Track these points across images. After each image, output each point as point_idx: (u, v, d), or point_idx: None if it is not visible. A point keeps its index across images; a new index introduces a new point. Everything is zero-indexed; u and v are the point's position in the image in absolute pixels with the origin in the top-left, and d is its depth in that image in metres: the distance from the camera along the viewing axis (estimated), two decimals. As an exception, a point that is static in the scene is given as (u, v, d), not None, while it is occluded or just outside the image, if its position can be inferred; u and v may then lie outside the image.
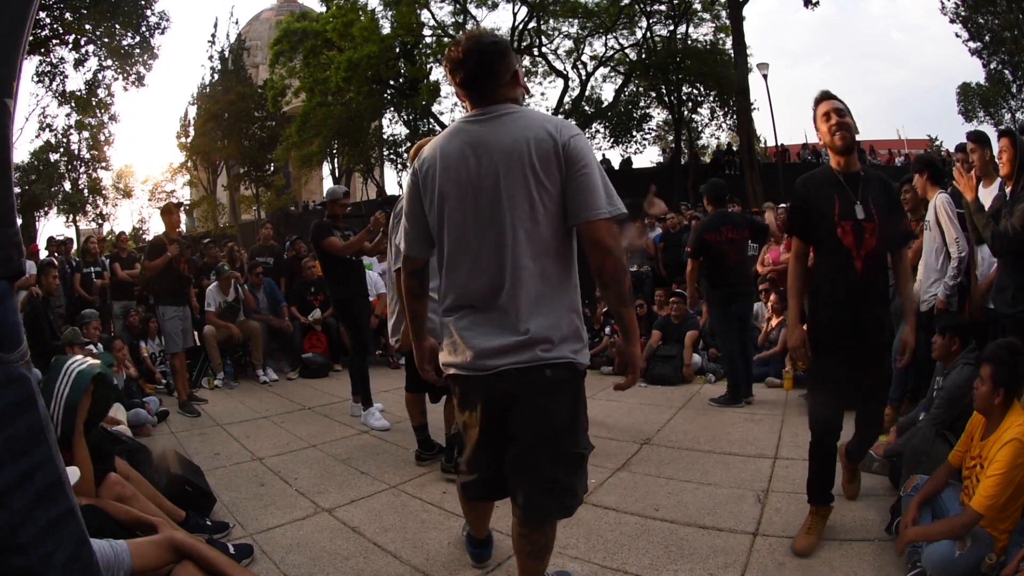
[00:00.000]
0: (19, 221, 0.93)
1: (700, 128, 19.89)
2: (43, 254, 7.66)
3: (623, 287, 1.56)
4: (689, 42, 17.84)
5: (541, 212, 1.52)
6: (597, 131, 19.86)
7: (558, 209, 1.54)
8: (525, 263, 1.52)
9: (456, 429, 1.86)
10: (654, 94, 18.65)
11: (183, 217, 6.02)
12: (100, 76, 17.50)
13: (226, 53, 25.41)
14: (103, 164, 20.99)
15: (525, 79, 1.77)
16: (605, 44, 18.27)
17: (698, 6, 17.63)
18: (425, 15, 17.54)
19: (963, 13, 17.62)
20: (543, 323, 1.53)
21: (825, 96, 2.32)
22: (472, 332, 1.57)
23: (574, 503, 1.64)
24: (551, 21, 17.89)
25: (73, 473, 1.97)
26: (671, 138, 20.19)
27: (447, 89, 19.03)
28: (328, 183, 24.57)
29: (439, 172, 1.58)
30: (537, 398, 1.55)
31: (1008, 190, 2.80)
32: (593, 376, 5.56)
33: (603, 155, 20.75)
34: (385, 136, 21.29)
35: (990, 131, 3.75)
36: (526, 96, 1.67)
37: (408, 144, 20.89)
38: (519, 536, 1.68)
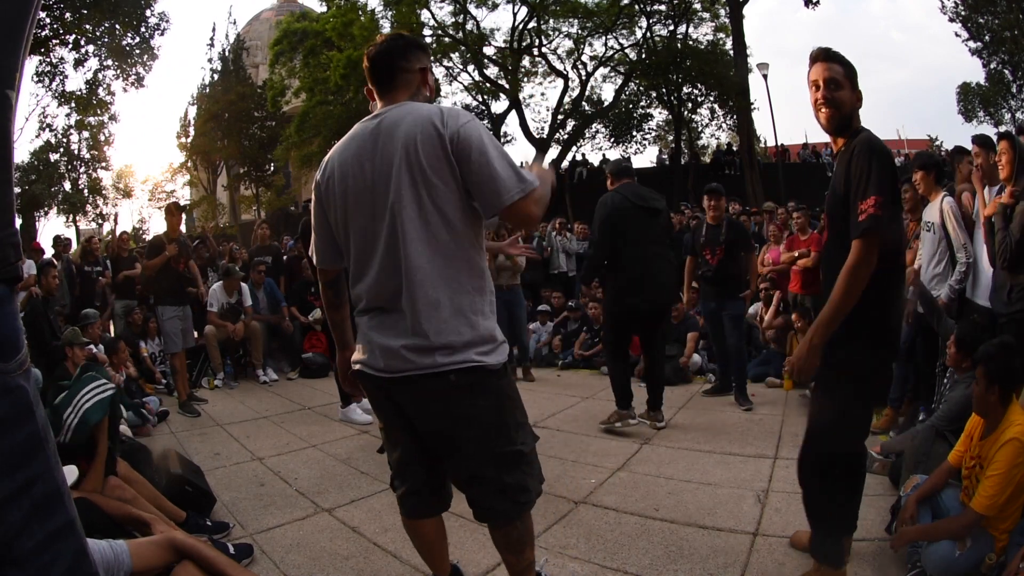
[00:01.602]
0: (19, 221, 0.91)
1: (700, 128, 19.90)
2: (49, 252, 7.66)
3: (545, 205, 1.53)
4: (689, 42, 17.82)
5: (431, 211, 1.45)
6: (597, 131, 19.85)
7: (454, 205, 1.46)
8: (420, 264, 1.45)
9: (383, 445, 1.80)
10: (654, 94, 18.63)
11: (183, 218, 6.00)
12: (100, 76, 17.52)
13: (226, 53, 25.43)
14: (103, 164, 21.01)
15: (435, 80, 1.74)
16: (605, 44, 18.27)
17: (698, 6, 17.62)
18: (425, 15, 17.54)
19: (963, 13, 17.62)
20: (442, 327, 1.46)
21: (817, 57, 1.88)
22: (378, 333, 1.53)
23: (529, 499, 1.59)
24: (551, 21, 17.86)
25: (71, 472, 1.97)
26: (671, 138, 20.18)
27: (447, 89, 19.04)
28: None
29: (337, 181, 1.56)
30: (451, 406, 1.49)
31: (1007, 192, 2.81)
32: (593, 376, 5.57)
33: (603, 155, 20.79)
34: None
35: (990, 131, 3.76)
36: (434, 98, 1.68)
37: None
38: (491, 535, 1.66)
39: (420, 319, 1.45)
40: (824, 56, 1.87)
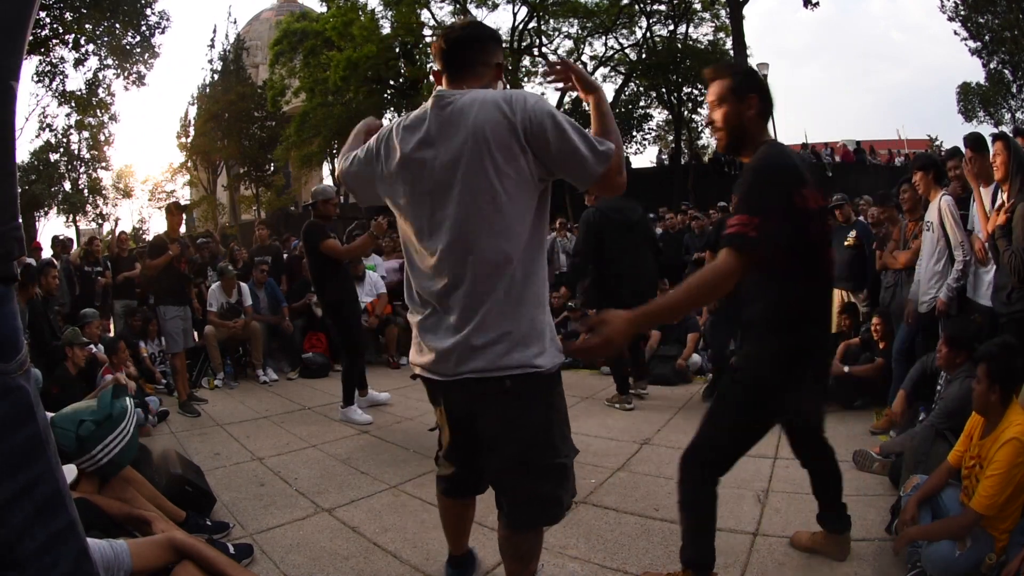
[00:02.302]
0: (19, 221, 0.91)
1: (700, 128, 19.93)
2: (47, 253, 7.67)
3: (611, 120, 1.57)
4: (689, 42, 17.84)
5: (505, 201, 1.39)
6: (716, 135, 19.86)
7: (523, 192, 1.41)
8: (488, 258, 1.40)
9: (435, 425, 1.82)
10: (654, 94, 18.66)
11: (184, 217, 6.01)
12: (100, 76, 17.54)
13: (226, 53, 25.44)
14: (103, 164, 21.04)
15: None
16: (605, 44, 18.32)
17: (698, 6, 17.65)
18: (425, 15, 17.57)
19: (963, 13, 17.63)
20: (504, 324, 1.41)
21: (709, 75, 1.84)
22: (432, 334, 1.48)
23: (559, 512, 1.58)
24: (551, 21, 17.91)
25: (70, 472, 1.97)
26: (671, 138, 20.19)
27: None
28: (328, 183, 24.54)
29: (398, 160, 1.50)
30: (502, 412, 1.46)
31: (1004, 195, 2.81)
32: (593, 376, 5.57)
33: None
34: (385, 136, 21.28)
35: (990, 131, 3.76)
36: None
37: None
38: (503, 538, 1.63)
39: (483, 318, 1.40)
40: (711, 75, 1.82)
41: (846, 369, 4.12)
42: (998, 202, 2.87)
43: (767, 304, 1.71)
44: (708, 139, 20.81)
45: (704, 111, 18.93)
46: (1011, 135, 3.01)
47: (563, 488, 1.56)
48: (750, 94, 1.73)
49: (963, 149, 3.28)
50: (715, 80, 1.77)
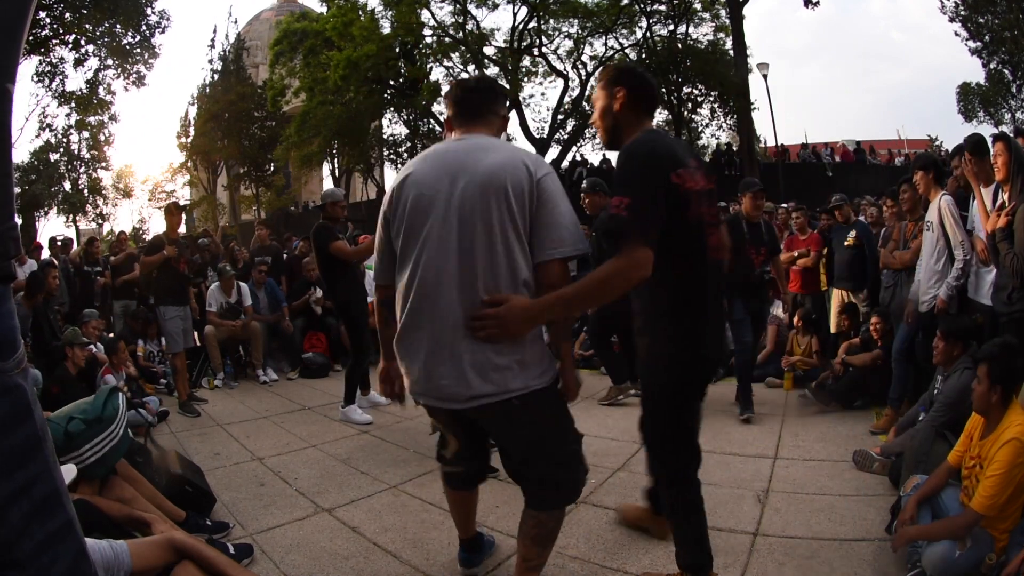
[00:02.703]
0: (19, 221, 0.91)
1: (700, 128, 19.90)
2: (47, 253, 7.68)
3: (570, 324, 1.75)
4: (689, 42, 17.83)
5: (513, 240, 1.53)
6: (597, 131, 19.82)
7: (524, 240, 1.56)
8: (501, 284, 1.53)
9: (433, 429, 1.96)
10: (654, 94, 18.63)
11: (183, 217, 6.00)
12: (100, 76, 17.53)
13: (226, 53, 25.43)
14: (103, 164, 21.05)
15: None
16: (605, 44, 18.28)
17: (698, 6, 17.61)
18: (425, 15, 17.54)
19: (963, 13, 17.63)
20: (507, 357, 1.54)
21: (599, 75, 1.92)
22: (439, 363, 1.56)
23: (577, 490, 1.75)
24: (551, 21, 17.87)
25: (69, 471, 1.97)
26: (671, 138, 20.16)
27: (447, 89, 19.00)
28: (328, 183, 24.57)
29: (412, 197, 1.59)
30: (515, 424, 1.63)
31: (1005, 195, 2.81)
32: (593, 376, 5.57)
33: (603, 155, 20.76)
34: (385, 136, 21.30)
35: (990, 131, 3.76)
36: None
37: (408, 144, 20.90)
38: (529, 517, 1.72)
39: (491, 351, 1.53)
40: (598, 78, 1.90)
41: (844, 358, 4.14)
42: (998, 203, 2.87)
43: (649, 290, 1.70)
44: (708, 139, 20.89)
45: (704, 111, 19.02)
46: (1012, 135, 3.01)
47: (577, 470, 1.73)
48: (617, 88, 1.79)
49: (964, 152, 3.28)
50: (598, 82, 1.88)
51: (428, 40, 17.96)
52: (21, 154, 18.61)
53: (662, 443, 1.91)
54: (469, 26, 17.76)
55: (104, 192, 21.82)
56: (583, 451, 1.76)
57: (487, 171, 1.53)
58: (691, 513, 1.87)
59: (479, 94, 1.72)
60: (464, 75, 18.50)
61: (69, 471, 2.02)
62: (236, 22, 27.97)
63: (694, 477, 1.90)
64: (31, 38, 14.57)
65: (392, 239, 1.66)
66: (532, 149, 18.93)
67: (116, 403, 2.31)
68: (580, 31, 17.87)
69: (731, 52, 17.14)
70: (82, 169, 20.30)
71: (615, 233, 1.55)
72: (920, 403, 3.14)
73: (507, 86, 17.91)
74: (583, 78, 18.73)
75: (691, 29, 17.98)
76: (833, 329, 4.98)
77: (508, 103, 1.79)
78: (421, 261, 1.57)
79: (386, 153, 21.81)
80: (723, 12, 17.26)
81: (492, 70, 18.52)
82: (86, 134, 19.59)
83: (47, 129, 18.49)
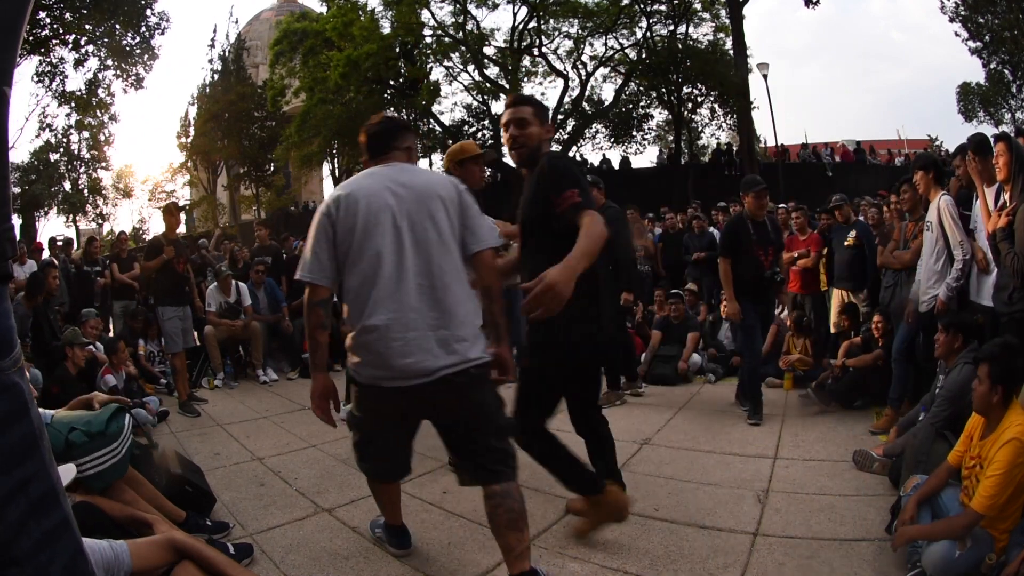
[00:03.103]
0: (19, 221, 0.92)
1: (700, 128, 19.91)
2: (46, 254, 7.68)
3: (500, 301, 2.00)
4: (689, 42, 17.82)
5: (451, 238, 1.89)
6: (597, 131, 19.84)
7: (459, 240, 1.92)
8: (447, 281, 1.85)
9: (351, 419, 2.07)
10: (654, 94, 18.64)
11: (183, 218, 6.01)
12: (100, 76, 17.52)
13: (226, 53, 25.42)
14: (103, 164, 21.04)
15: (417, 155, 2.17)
16: (605, 44, 18.27)
17: (698, 6, 17.60)
18: (425, 15, 17.53)
19: (963, 13, 17.63)
20: (464, 331, 1.84)
21: (508, 102, 2.30)
22: (407, 344, 1.78)
23: (515, 463, 1.91)
24: (551, 21, 17.87)
25: (67, 472, 1.97)
26: (671, 138, 20.17)
27: (447, 89, 19.01)
28: (328, 183, 24.59)
29: (364, 205, 1.83)
30: (471, 393, 1.86)
31: (1006, 195, 2.81)
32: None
33: (603, 155, 20.79)
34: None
35: (990, 131, 3.76)
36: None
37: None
38: (493, 506, 1.82)
39: (451, 326, 1.81)
40: (514, 102, 2.26)
41: (844, 362, 4.12)
42: (1000, 203, 2.87)
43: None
44: (708, 139, 20.90)
45: (704, 111, 19.00)
46: (1013, 136, 3.00)
47: (511, 442, 1.96)
48: (547, 122, 2.25)
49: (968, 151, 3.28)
50: (522, 105, 2.23)
51: (428, 40, 17.96)
52: (21, 154, 18.61)
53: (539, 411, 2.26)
54: (469, 26, 17.76)
55: (104, 192, 21.82)
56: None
57: (423, 184, 1.91)
58: (558, 450, 2.26)
59: (381, 135, 2.03)
60: (462, 74, 18.54)
61: (68, 471, 2.01)
62: (237, 22, 27.95)
63: (544, 425, 2.27)
64: (31, 38, 14.57)
65: (337, 243, 1.85)
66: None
67: (122, 423, 2.28)
68: (580, 31, 17.87)
69: (731, 52, 17.14)
70: (82, 169, 20.30)
71: (579, 212, 1.91)
72: (921, 403, 3.14)
73: (507, 86, 17.95)
74: (583, 78, 18.76)
75: (691, 29, 17.98)
76: (833, 329, 4.99)
77: (412, 131, 2.12)
78: (382, 259, 1.81)
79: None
80: (723, 12, 17.26)
81: (492, 70, 18.54)
82: (86, 134, 19.60)
83: (47, 129, 18.49)
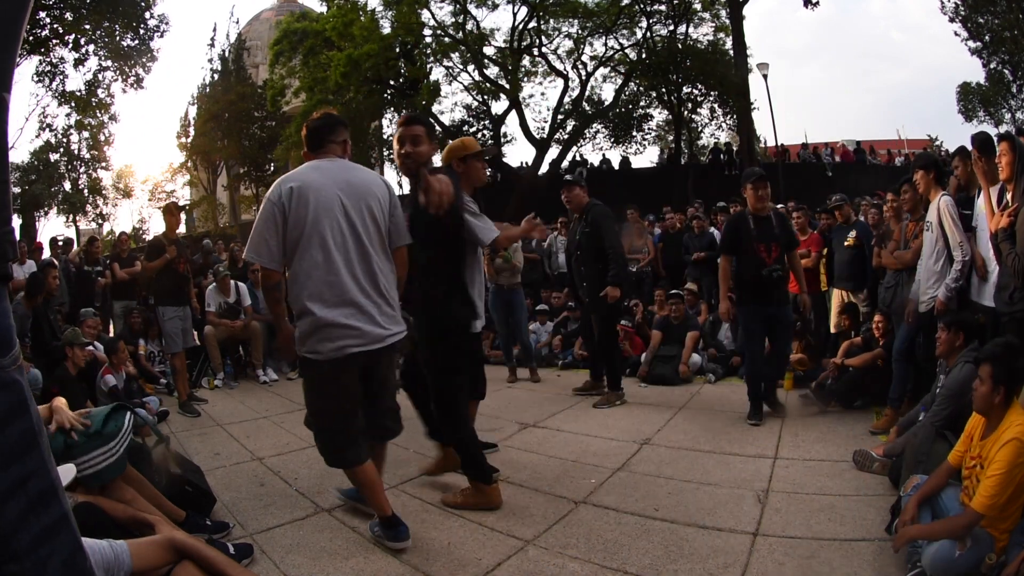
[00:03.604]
0: (19, 221, 0.92)
1: (700, 128, 19.88)
2: (46, 254, 7.68)
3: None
4: (689, 42, 17.80)
5: (383, 233, 2.24)
6: (597, 131, 19.82)
7: (386, 233, 2.27)
8: (381, 267, 2.22)
9: (315, 417, 2.37)
10: (654, 94, 18.62)
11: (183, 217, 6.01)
12: (100, 76, 17.49)
13: (226, 53, 25.41)
14: (103, 164, 21.02)
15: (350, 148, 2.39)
16: (605, 44, 18.22)
17: (698, 6, 17.57)
18: (425, 15, 17.50)
19: (963, 13, 17.62)
20: (394, 310, 2.24)
21: (402, 121, 2.62)
22: (356, 319, 2.14)
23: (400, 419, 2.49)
24: (551, 21, 17.83)
25: (67, 472, 1.97)
26: (671, 138, 20.16)
27: (447, 89, 18.98)
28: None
29: (313, 199, 2.11)
30: (391, 360, 2.34)
31: (1009, 195, 2.81)
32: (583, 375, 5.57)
33: (603, 155, 20.76)
34: (385, 136, 21.26)
35: (990, 131, 3.73)
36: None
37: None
38: (381, 449, 2.47)
39: (383, 305, 2.20)
40: (408, 121, 2.59)
41: (844, 361, 4.12)
42: (1003, 203, 2.87)
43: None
44: (708, 139, 20.88)
45: (704, 111, 18.99)
46: (1015, 135, 3.00)
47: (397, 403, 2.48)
48: (435, 140, 2.66)
49: (970, 148, 3.28)
50: (415, 125, 2.56)
51: (428, 40, 17.94)
52: (21, 154, 18.59)
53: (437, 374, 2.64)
54: (469, 26, 17.73)
55: (104, 192, 21.81)
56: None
57: (363, 183, 2.23)
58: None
59: (320, 130, 2.28)
60: (462, 74, 18.56)
61: (68, 471, 2.01)
62: (238, 22, 27.92)
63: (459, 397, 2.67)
64: (31, 38, 14.56)
65: (287, 231, 2.11)
66: (533, 150, 18.96)
67: (121, 422, 2.28)
68: (580, 31, 17.84)
69: (731, 52, 17.12)
70: (82, 169, 20.27)
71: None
72: (922, 403, 3.14)
73: (507, 86, 17.95)
74: (583, 78, 18.72)
75: (691, 29, 17.94)
76: (833, 329, 4.98)
77: (347, 127, 2.38)
78: (329, 247, 2.11)
79: (386, 153, 21.79)
80: (723, 12, 17.24)
81: (492, 70, 18.52)
82: (86, 134, 19.56)
83: (47, 129, 18.46)
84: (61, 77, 17.03)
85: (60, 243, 8.21)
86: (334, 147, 2.28)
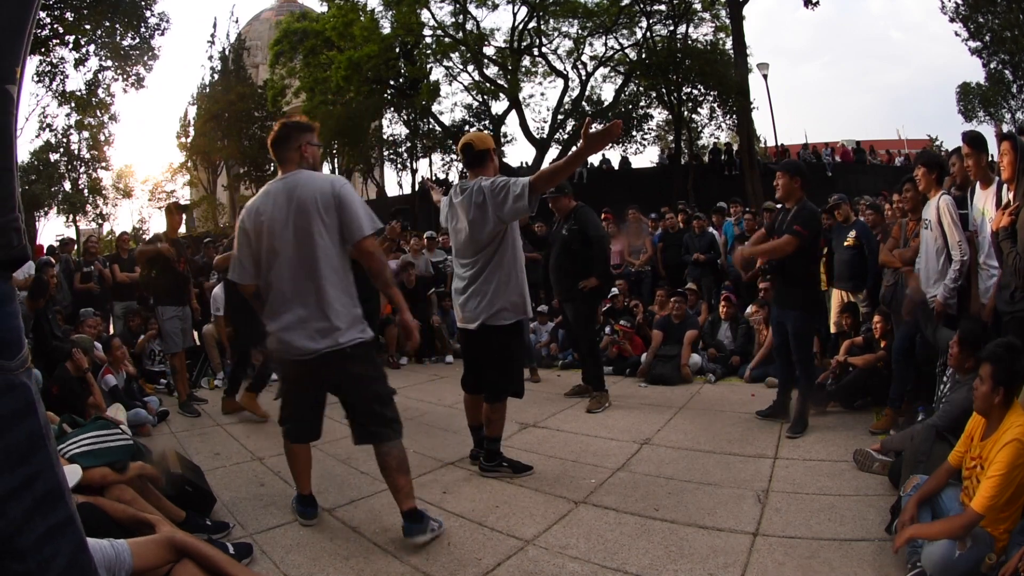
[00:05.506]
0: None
1: (700, 128, 19.86)
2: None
3: (386, 276, 2.41)
4: (689, 42, 17.80)
5: (327, 239, 2.28)
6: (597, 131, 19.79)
7: (337, 236, 2.30)
8: (325, 274, 2.27)
9: (279, 392, 2.69)
10: (654, 94, 18.62)
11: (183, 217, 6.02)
12: (100, 76, 17.48)
13: (226, 53, 25.40)
14: (103, 164, 20.98)
15: (314, 151, 2.46)
16: (605, 44, 18.24)
17: (698, 6, 17.58)
18: (425, 15, 17.51)
19: (963, 12, 17.61)
20: (340, 320, 2.28)
21: (300, 125, 2.60)
22: (295, 329, 2.28)
23: (398, 427, 2.38)
24: (551, 21, 17.85)
25: (73, 472, 1.97)
26: (671, 138, 20.16)
27: (447, 89, 18.99)
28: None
29: (266, 220, 2.30)
30: (349, 368, 2.33)
31: (1010, 194, 2.80)
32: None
33: (603, 155, 20.77)
34: (385, 136, 21.28)
35: (989, 131, 3.74)
36: (318, 164, 2.51)
37: (408, 144, 20.88)
38: (382, 455, 2.34)
39: (328, 313, 2.27)
40: (305, 125, 2.54)
41: (845, 359, 4.11)
42: (1003, 202, 2.86)
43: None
44: (708, 139, 20.86)
45: (704, 111, 18.99)
46: (1016, 135, 2.99)
47: (393, 409, 2.40)
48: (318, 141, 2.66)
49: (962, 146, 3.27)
50: (312, 131, 2.57)
51: (428, 40, 17.95)
52: (21, 154, 18.49)
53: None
54: (469, 26, 17.74)
55: (104, 192, 21.77)
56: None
57: (308, 195, 2.28)
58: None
59: (279, 142, 2.40)
60: (462, 74, 18.56)
61: (73, 472, 2.02)
62: (237, 21, 27.87)
63: None
64: (31, 38, 14.55)
65: (252, 249, 2.34)
66: (532, 150, 18.96)
67: (106, 424, 2.52)
68: (580, 31, 17.85)
69: (731, 52, 17.12)
70: (82, 169, 20.22)
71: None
72: (921, 406, 3.13)
73: (507, 86, 17.95)
74: (583, 78, 18.73)
75: (691, 29, 17.95)
76: (833, 329, 4.98)
77: (304, 130, 2.45)
78: (279, 264, 2.29)
79: (386, 153, 21.80)
80: (723, 12, 17.24)
81: (492, 70, 18.52)
82: (86, 134, 19.53)
83: (47, 129, 18.45)
84: (61, 77, 17.04)
85: (59, 243, 8.22)
86: (292, 156, 2.39)
